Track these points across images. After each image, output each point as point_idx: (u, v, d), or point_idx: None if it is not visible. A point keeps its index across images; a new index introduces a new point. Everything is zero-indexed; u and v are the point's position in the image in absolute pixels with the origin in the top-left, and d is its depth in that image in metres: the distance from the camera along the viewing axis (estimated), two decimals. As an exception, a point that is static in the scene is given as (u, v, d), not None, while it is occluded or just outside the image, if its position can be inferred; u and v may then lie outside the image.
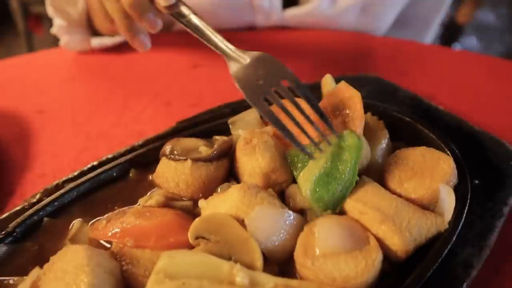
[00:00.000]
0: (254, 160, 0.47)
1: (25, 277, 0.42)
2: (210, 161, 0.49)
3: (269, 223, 0.41)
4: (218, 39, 0.57)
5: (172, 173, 0.49)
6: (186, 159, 0.49)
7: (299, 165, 0.46)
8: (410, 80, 0.78)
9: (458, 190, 0.46)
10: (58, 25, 0.96)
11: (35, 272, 0.41)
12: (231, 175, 0.52)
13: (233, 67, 0.52)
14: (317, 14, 0.94)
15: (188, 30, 0.60)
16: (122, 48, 0.99)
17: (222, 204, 0.43)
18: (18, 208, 0.53)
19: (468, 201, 0.45)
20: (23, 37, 3.96)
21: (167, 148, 0.51)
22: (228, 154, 0.51)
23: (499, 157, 0.54)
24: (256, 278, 0.38)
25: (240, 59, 0.53)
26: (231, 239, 0.40)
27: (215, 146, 0.50)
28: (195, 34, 0.59)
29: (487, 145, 0.56)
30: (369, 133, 0.53)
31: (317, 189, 0.43)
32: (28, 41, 3.80)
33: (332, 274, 0.37)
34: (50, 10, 0.96)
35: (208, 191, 0.48)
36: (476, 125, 0.61)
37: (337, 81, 0.72)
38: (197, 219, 0.42)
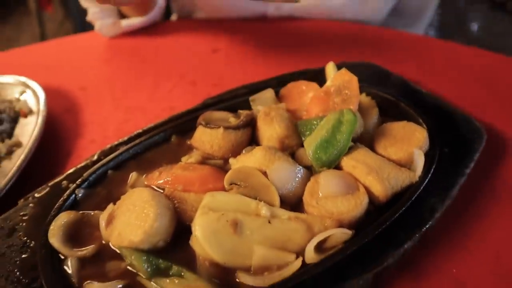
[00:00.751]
0: (272, 129, 0.61)
1: (101, 212, 0.56)
2: (238, 129, 0.62)
3: (285, 174, 0.55)
4: None
5: (208, 138, 0.63)
6: (219, 127, 0.62)
7: (307, 133, 0.60)
8: (402, 67, 0.90)
9: (429, 154, 0.60)
10: (92, 12, 1.08)
11: (110, 207, 0.55)
12: (253, 141, 0.65)
13: None
14: (323, 5, 1.07)
15: None
16: (149, 33, 1.11)
17: (249, 160, 0.57)
18: (82, 164, 0.67)
19: (435, 162, 0.59)
20: (34, 15, 4.05)
21: (203, 118, 0.65)
22: (251, 124, 0.64)
23: (467, 132, 0.67)
24: (275, 212, 0.52)
25: None
26: (257, 185, 0.54)
27: (241, 117, 0.63)
28: None
29: (459, 122, 0.69)
30: (363, 110, 0.67)
31: (318, 151, 0.57)
32: (39, 19, 3.89)
33: (331, 210, 0.52)
34: (82, 1, 1.08)
35: (236, 152, 0.62)
36: (454, 105, 0.74)
37: (339, 67, 0.85)
38: (230, 171, 0.56)
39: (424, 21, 1.24)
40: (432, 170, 0.58)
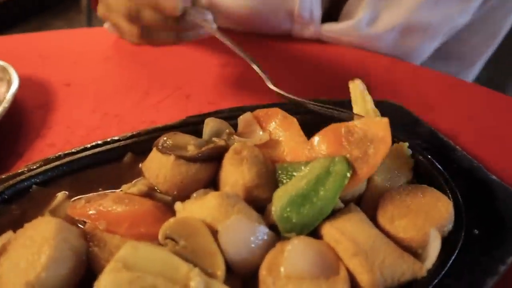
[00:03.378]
0: (239, 172, 0.46)
1: (-2, 238, 0.43)
2: (193, 162, 0.48)
3: (241, 235, 0.40)
4: None
5: (156, 164, 0.49)
6: (170, 154, 0.48)
7: (284, 181, 0.45)
8: (435, 114, 0.74)
9: (451, 238, 0.43)
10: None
11: (8, 235, 0.42)
12: (214, 183, 0.50)
13: None
14: (354, 33, 0.92)
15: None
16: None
17: (199, 209, 0.42)
18: (19, 171, 0.54)
19: (457, 251, 0.42)
20: (84, 13, 4.17)
21: (161, 139, 0.51)
22: (215, 159, 0.50)
23: (507, 210, 0.50)
24: (211, 287, 0.37)
25: None
26: (199, 248, 0.39)
27: (204, 148, 0.49)
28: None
29: (498, 195, 0.52)
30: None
31: (288, 209, 0.41)
32: (88, 17, 4.00)
33: (291, 297, 0.36)
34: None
35: (184, 190, 0.48)
36: (494, 172, 0.57)
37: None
38: (171, 220, 0.42)
39: (474, 70, 1.07)
40: (451, 261, 0.41)
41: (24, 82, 0.76)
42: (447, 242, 0.43)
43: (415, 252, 0.42)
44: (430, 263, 0.40)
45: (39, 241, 0.39)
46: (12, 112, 0.72)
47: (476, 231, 0.47)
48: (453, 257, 0.41)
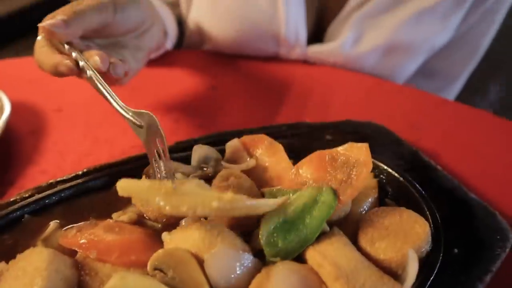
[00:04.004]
0: (225, 200, 0.47)
1: (-10, 270, 0.44)
2: None
3: (225, 263, 0.41)
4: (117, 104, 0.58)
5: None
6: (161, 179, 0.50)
7: (271, 206, 0.46)
8: (418, 133, 0.76)
9: (430, 258, 0.45)
10: None
11: (0, 266, 0.43)
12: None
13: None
14: (339, 54, 0.95)
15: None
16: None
17: (185, 241, 0.44)
18: (11, 199, 0.55)
19: (436, 271, 0.43)
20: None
21: (150, 167, 0.52)
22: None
23: (486, 229, 0.52)
24: (200, 313, 0.38)
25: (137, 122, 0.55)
26: (187, 278, 0.41)
27: (191, 176, 0.51)
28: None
29: (477, 214, 0.54)
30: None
31: (275, 234, 0.43)
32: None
33: (275, 322, 0.37)
34: None
35: (172, 218, 0.49)
36: (473, 190, 0.59)
37: (344, 124, 0.73)
38: (159, 251, 0.43)
39: (456, 86, 1.10)
40: (430, 282, 0.42)
41: (15, 107, 0.77)
42: (426, 262, 0.45)
43: (395, 273, 0.43)
44: (409, 284, 0.41)
45: (31, 272, 0.40)
46: (4, 138, 0.73)
47: (456, 250, 0.49)
48: (432, 278, 0.43)
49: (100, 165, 0.60)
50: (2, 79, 0.90)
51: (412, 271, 0.42)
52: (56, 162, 0.72)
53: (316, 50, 0.98)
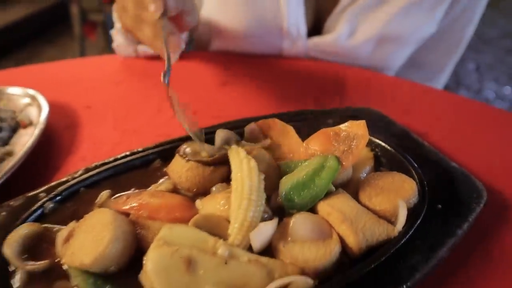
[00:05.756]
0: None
1: (64, 227, 0.54)
2: (207, 165, 0.60)
3: (265, 236, 0.51)
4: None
5: (178, 168, 0.61)
6: (189, 160, 0.60)
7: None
8: (409, 118, 0.87)
9: (416, 208, 0.55)
10: (116, 27, 1.11)
11: (71, 225, 0.54)
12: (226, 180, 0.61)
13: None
14: (336, 45, 1.06)
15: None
16: (162, 60, 1.13)
17: (214, 207, 0.54)
18: (63, 179, 0.66)
19: (421, 218, 0.54)
20: (77, 40, 4.30)
21: (182, 147, 0.63)
22: (226, 163, 0.60)
23: (465, 189, 0.62)
24: (234, 252, 0.48)
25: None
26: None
27: (216, 154, 0.61)
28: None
29: (457, 178, 0.64)
30: (359, 159, 0.63)
31: (291, 192, 0.53)
32: (81, 45, 4.13)
33: (296, 255, 0.48)
34: (114, 14, 1.11)
35: (201, 188, 0.60)
36: (454, 160, 0.69)
37: (344, 111, 0.83)
38: (198, 215, 0.53)
39: (443, 76, 1.21)
40: (417, 225, 0.53)
41: (51, 106, 0.87)
42: (413, 212, 0.55)
43: (389, 220, 0.54)
44: (400, 226, 0.52)
45: (99, 227, 0.50)
46: (46, 133, 0.83)
47: (440, 206, 0.60)
48: (418, 224, 0.53)
49: (137, 149, 0.70)
50: (37, 82, 1.00)
51: (402, 215, 0.52)
52: (92, 151, 0.82)
53: (316, 42, 1.09)
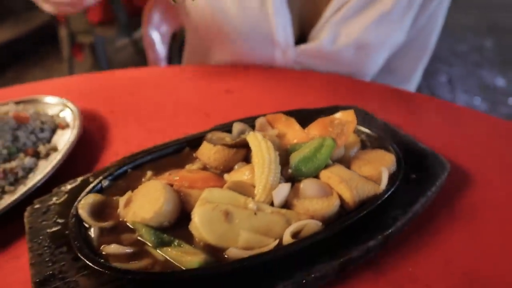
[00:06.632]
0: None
1: (121, 197, 0.68)
2: (230, 147, 0.75)
3: (283, 194, 0.66)
4: None
5: (207, 151, 0.76)
6: (215, 144, 0.76)
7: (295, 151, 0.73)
8: (386, 115, 1.04)
9: (395, 174, 0.72)
10: None
11: (129, 193, 0.68)
12: (248, 159, 0.76)
13: None
14: (321, 51, 1.23)
15: None
16: (170, 74, 1.29)
17: (240, 177, 0.70)
18: (108, 165, 0.80)
19: (399, 180, 0.70)
20: (66, 62, 4.41)
21: (208, 135, 0.79)
22: (245, 146, 0.76)
23: (432, 163, 0.79)
24: (261, 206, 0.63)
25: None
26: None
27: (238, 139, 0.76)
28: None
29: (426, 155, 0.82)
30: (348, 142, 0.80)
31: (299, 164, 0.69)
32: (70, 66, 4.25)
33: (307, 208, 0.63)
34: None
35: (227, 166, 0.75)
36: (424, 143, 0.87)
37: (333, 108, 0.99)
38: (229, 182, 0.68)
39: (414, 80, 1.40)
40: (396, 186, 0.69)
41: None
42: (393, 177, 0.71)
43: (375, 183, 0.70)
44: (384, 185, 0.68)
45: (154, 192, 0.65)
46: (80, 133, 0.97)
47: (414, 175, 0.76)
48: (398, 184, 0.70)
49: (168, 141, 0.85)
50: (61, 92, 1.14)
51: (384, 177, 0.69)
52: (124, 146, 0.97)
53: (303, 49, 1.26)
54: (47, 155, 0.89)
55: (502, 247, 0.68)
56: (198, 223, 0.61)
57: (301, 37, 1.31)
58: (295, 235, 0.61)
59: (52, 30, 4.45)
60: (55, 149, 0.91)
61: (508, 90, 4.14)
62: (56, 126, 0.99)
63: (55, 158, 0.85)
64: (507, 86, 4.21)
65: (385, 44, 1.26)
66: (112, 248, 0.59)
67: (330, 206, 0.63)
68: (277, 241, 0.59)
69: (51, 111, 1.04)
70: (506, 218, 0.74)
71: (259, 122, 0.86)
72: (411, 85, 1.42)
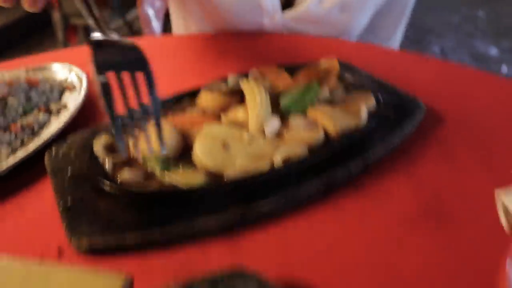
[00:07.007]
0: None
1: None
2: (225, 94, 0.83)
3: (274, 127, 0.75)
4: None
5: (205, 97, 0.84)
6: (214, 91, 0.84)
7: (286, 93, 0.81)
8: (372, 69, 1.12)
9: (375, 110, 0.81)
10: None
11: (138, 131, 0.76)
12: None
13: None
14: (308, 13, 1.30)
15: None
16: (168, 43, 1.36)
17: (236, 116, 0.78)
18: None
19: (378, 116, 0.79)
20: (61, 46, 4.45)
21: (205, 86, 0.87)
22: (239, 92, 0.83)
23: (411, 106, 0.87)
24: (254, 137, 0.72)
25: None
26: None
27: (230, 87, 0.85)
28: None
29: (405, 99, 0.90)
30: (333, 87, 0.88)
31: (289, 105, 0.78)
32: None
33: (295, 136, 0.72)
34: None
35: (224, 110, 0.83)
36: (402, 89, 0.95)
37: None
38: (225, 119, 0.77)
39: (396, 37, 1.48)
40: (377, 121, 0.78)
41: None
42: (373, 115, 0.80)
43: (356, 116, 0.78)
44: (363, 119, 0.77)
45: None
46: (87, 94, 1.05)
47: (392, 115, 0.85)
48: (376, 118, 0.78)
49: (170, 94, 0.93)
50: (71, 62, 1.21)
51: (363, 111, 0.77)
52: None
53: (290, 13, 1.33)
54: (58, 112, 0.97)
55: (469, 170, 0.77)
56: (199, 153, 0.69)
57: (288, 2, 1.37)
58: (285, 161, 0.70)
59: (45, 14, 4.47)
60: (65, 106, 0.99)
61: (501, 58, 4.22)
62: (64, 88, 1.07)
63: (67, 114, 0.93)
64: (500, 55, 4.29)
65: (367, 4, 1.33)
66: (125, 174, 0.68)
67: (315, 135, 0.72)
68: (269, 165, 0.68)
69: (59, 77, 1.12)
70: (472, 147, 0.83)
71: (253, 72, 0.94)
72: (394, 44, 1.50)
